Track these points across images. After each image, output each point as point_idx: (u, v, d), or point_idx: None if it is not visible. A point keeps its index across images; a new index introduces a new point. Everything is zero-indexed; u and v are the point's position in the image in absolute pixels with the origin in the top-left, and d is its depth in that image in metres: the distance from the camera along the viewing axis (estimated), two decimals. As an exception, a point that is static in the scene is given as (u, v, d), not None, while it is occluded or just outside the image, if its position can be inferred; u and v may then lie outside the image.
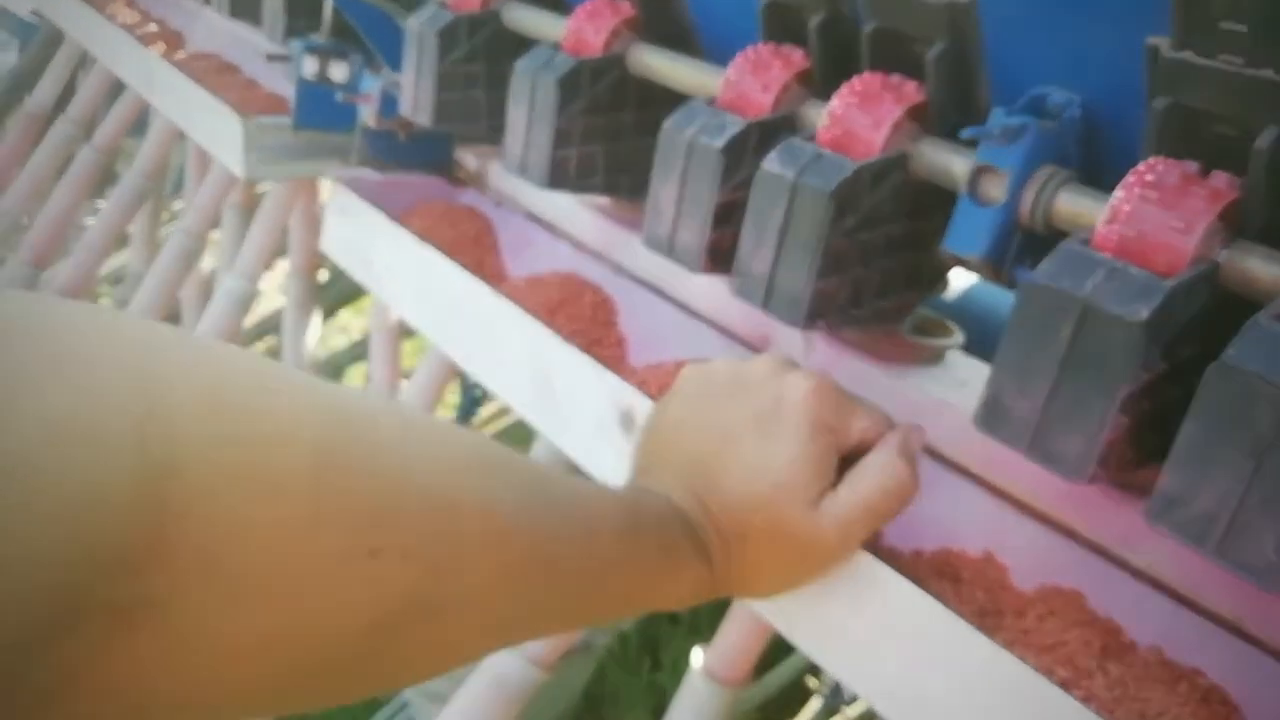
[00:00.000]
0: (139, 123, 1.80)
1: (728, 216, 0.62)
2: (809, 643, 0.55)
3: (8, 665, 0.25)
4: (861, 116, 0.57)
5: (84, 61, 1.95)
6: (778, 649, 0.56)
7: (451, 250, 0.92)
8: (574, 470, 0.71)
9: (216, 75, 1.38)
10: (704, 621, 1.65)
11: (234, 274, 1.36)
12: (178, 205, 2.36)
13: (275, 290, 2.24)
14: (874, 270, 0.60)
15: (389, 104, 0.97)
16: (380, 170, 1.00)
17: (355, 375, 2.26)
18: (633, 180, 0.78)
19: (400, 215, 0.97)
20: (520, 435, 0.78)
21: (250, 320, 2.27)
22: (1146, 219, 0.46)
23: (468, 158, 1.03)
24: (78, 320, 0.29)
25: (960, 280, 0.83)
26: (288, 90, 1.12)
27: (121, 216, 1.74)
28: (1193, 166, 0.47)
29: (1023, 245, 0.53)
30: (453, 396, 2.12)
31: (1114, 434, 0.46)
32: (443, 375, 1.04)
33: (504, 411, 2.08)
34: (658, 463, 0.55)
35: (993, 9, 0.53)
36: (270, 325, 2.18)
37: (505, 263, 0.94)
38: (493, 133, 0.86)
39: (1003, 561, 0.59)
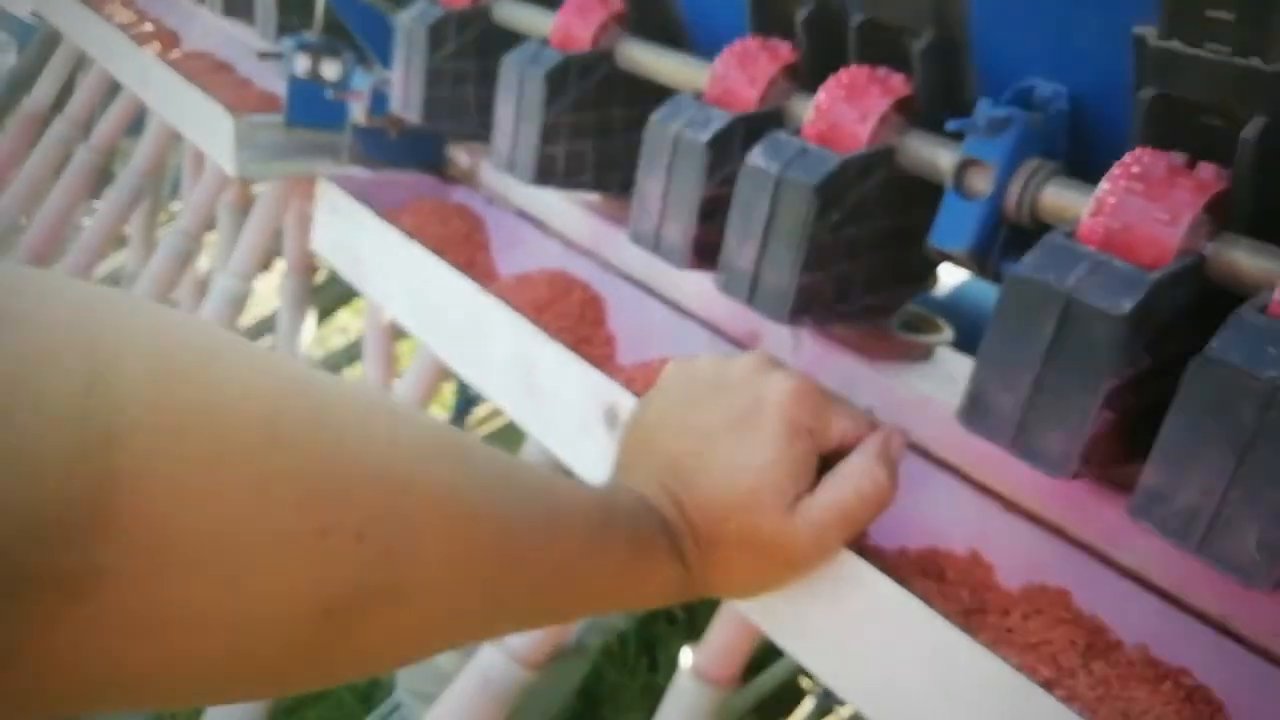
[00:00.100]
0: (136, 123, 1.80)
1: (714, 212, 0.62)
2: (791, 641, 0.54)
3: None
4: (848, 110, 0.57)
5: (82, 62, 1.94)
6: (772, 649, 0.56)
7: (442, 248, 0.91)
8: (562, 469, 0.70)
9: (211, 74, 1.37)
10: (702, 621, 1.64)
11: (227, 273, 1.35)
12: (176, 206, 2.36)
13: (273, 290, 2.24)
14: (861, 265, 0.60)
15: (379, 101, 0.96)
16: (371, 168, 1.00)
17: (352, 376, 2.25)
18: (622, 177, 0.78)
19: (391, 213, 0.96)
20: (514, 435, 0.77)
21: (247, 320, 2.26)
22: (1132, 211, 0.45)
23: (459, 155, 1.02)
24: (19, 283, 0.28)
25: (951, 276, 0.83)
26: (281, 88, 1.12)
27: (118, 217, 1.74)
28: (1179, 158, 0.46)
29: (1009, 239, 0.53)
30: (451, 397, 2.12)
31: (1098, 429, 0.45)
32: (434, 374, 1.04)
33: (498, 412, 2.07)
34: (638, 461, 0.54)
35: (980, 1, 0.52)
36: (268, 326, 2.18)
37: (496, 260, 0.94)
38: (483, 129, 0.86)
39: (989, 560, 0.58)
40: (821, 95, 0.58)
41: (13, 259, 1.79)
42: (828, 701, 1.52)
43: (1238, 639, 0.50)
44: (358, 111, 0.98)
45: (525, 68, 0.74)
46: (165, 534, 0.29)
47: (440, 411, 2.12)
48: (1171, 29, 0.44)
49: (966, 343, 0.68)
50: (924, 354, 0.68)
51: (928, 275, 0.65)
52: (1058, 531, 0.57)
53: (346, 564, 0.34)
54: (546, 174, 0.76)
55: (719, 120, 0.61)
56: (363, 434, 0.36)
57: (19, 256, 1.80)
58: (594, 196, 0.88)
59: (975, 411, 0.48)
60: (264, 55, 1.14)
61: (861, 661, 0.51)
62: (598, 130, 0.77)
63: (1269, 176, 0.45)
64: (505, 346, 0.73)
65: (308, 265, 1.42)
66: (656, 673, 1.74)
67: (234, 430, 0.31)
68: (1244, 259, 0.44)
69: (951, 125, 0.51)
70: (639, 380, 0.74)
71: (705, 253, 0.63)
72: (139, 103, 1.64)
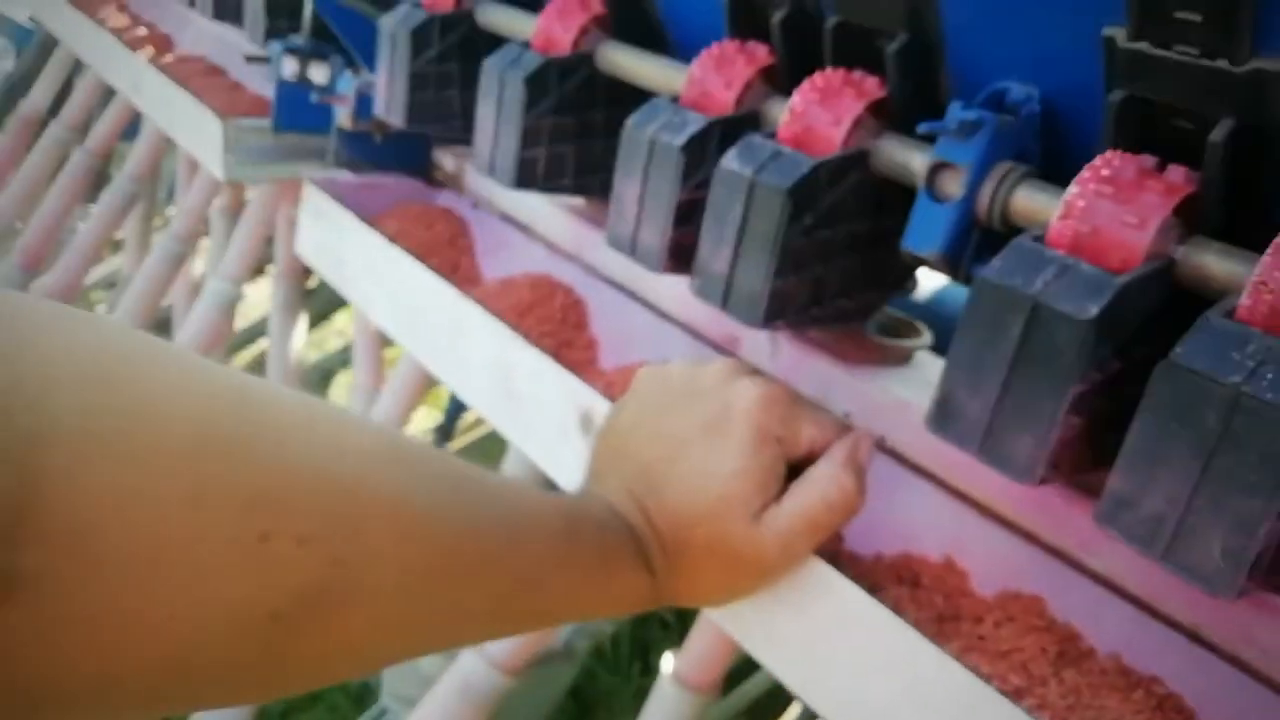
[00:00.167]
0: (133, 127, 1.80)
1: (690, 215, 0.61)
2: (761, 650, 0.54)
3: None
4: (822, 113, 0.57)
5: (79, 66, 1.94)
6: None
7: (426, 252, 0.91)
8: (544, 478, 0.70)
9: (203, 77, 1.37)
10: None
11: (218, 278, 1.35)
12: (173, 210, 2.36)
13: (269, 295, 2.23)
14: (835, 269, 0.59)
15: (365, 105, 0.96)
16: (356, 171, 0.99)
17: (347, 380, 2.25)
18: (604, 180, 0.77)
19: (376, 217, 0.96)
20: (502, 440, 0.77)
21: (242, 323, 2.26)
22: (1100, 214, 0.45)
23: (445, 159, 1.02)
24: None
25: (932, 280, 0.82)
26: (273, 92, 1.11)
27: (111, 220, 1.74)
28: (1150, 161, 0.46)
29: (982, 242, 0.52)
30: (446, 400, 2.12)
31: (1066, 434, 0.45)
32: (419, 379, 1.03)
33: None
34: (609, 468, 0.54)
35: (954, 2, 0.52)
36: (262, 329, 2.18)
37: (480, 264, 0.93)
38: (468, 133, 0.85)
39: (963, 566, 0.58)
40: (796, 98, 0.57)
41: (8, 263, 1.79)
42: (817, 708, 1.51)
43: (1209, 647, 0.49)
44: (343, 115, 0.98)
45: (505, 71, 0.73)
46: (95, 537, 0.29)
47: (435, 413, 2.11)
48: (1140, 30, 0.43)
49: (947, 347, 0.68)
50: (903, 358, 0.67)
51: (905, 278, 0.64)
52: (1032, 538, 0.56)
53: (289, 569, 0.34)
54: (527, 177, 0.75)
55: (694, 124, 0.60)
56: (305, 441, 0.35)
57: (14, 260, 1.80)
58: (579, 200, 0.88)
59: (943, 417, 0.48)
60: (251, 59, 1.14)
61: (830, 670, 0.50)
62: (579, 133, 0.76)
63: (1238, 179, 0.44)
64: (484, 352, 0.73)
65: (299, 269, 1.41)
66: (649, 676, 1.73)
67: (166, 435, 0.31)
68: (1213, 262, 0.44)
69: (923, 128, 0.51)
70: (620, 384, 0.74)
71: (682, 256, 0.63)
72: (134, 107, 1.64)
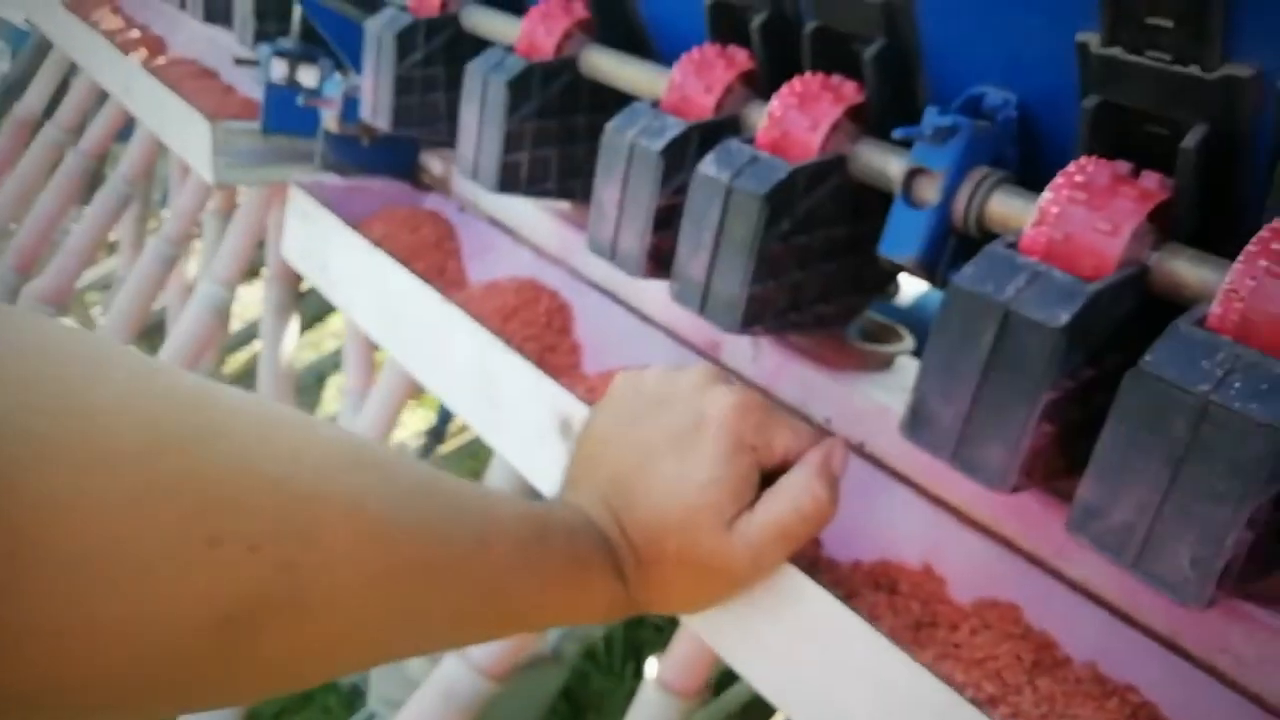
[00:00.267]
0: (129, 128, 1.80)
1: (669, 220, 0.61)
2: (736, 656, 0.54)
3: None
4: (800, 118, 0.56)
5: (74, 68, 1.94)
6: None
7: (412, 255, 0.91)
8: (528, 487, 0.69)
9: (194, 80, 1.37)
10: (687, 630, 1.64)
11: (210, 280, 1.35)
12: (167, 212, 2.36)
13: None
14: (814, 274, 0.59)
15: (351, 108, 0.96)
16: (344, 175, 0.99)
17: (341, 381, 2.25)
18: (588, 185, 0.77)
19: (363, 220, 0.96)
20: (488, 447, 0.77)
21: (237, 324, 2.26)
22: (1073, 221, 0.45)
23: (433, 162, 1.02)
24: None
25: (915, 284, 0.82)
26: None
27: (105, 222, 1.74)
28: (1124, 166, 0.46)
29: (958, 248, 0.52)
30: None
31: (1038, 442, 0.44)
32: (407, 381, 1.03)
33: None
34: (584, 475, 0.54)
35: (930, 7, 0.52)
36: (255, 332, 2.17)
37: (466, 267, 0.93)
38: (454, 136, 0.85)
39: (941, 573, 0.57)
40: (774, 103, 0.57)
41: (1, 265, 1.79)
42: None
43: (1185, 655, 0.49)
44: (329, 119, 0.97)
45: (488, 75, 0.73)
46: (37, 540, 0.28)
47: (429, 414, 2.11)
48: (1113, 36, 0.43)
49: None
50: (884, 363, 0.67)
51: (886, 283, 0.64)
52: (1010, 545, 0.56)
53: (240, 574, 0.33)
54: (510, 181, 0.75)
55: (674, 128, 0.60)
56: (260, 446, 0.35)
57: (8, 262, 1.79)
58: (564, 204, 0.88)
59: (917, 423, 0.48)
60: (240, 62, 1.14)
61: (804, 677, 0.50)
62: (562, 137, 0.76)
63: (1211, 186, 0.44)
64: (465, 356, 0.72)
65: (291, 272, 1.41)
66: (642, 678, 1.73)
67: (112, 438, 0.30)
68: (1186, 270, 0.43)
69: (898, 133, 0.50)
70: (603, 389, 0.73)
71: (661, 261, 0.62)
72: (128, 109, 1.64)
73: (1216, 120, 0.42)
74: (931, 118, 0.50)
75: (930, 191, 0.51)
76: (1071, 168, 0.46)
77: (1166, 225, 0.45)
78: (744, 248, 0.55)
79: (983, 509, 0.57)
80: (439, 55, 0.85)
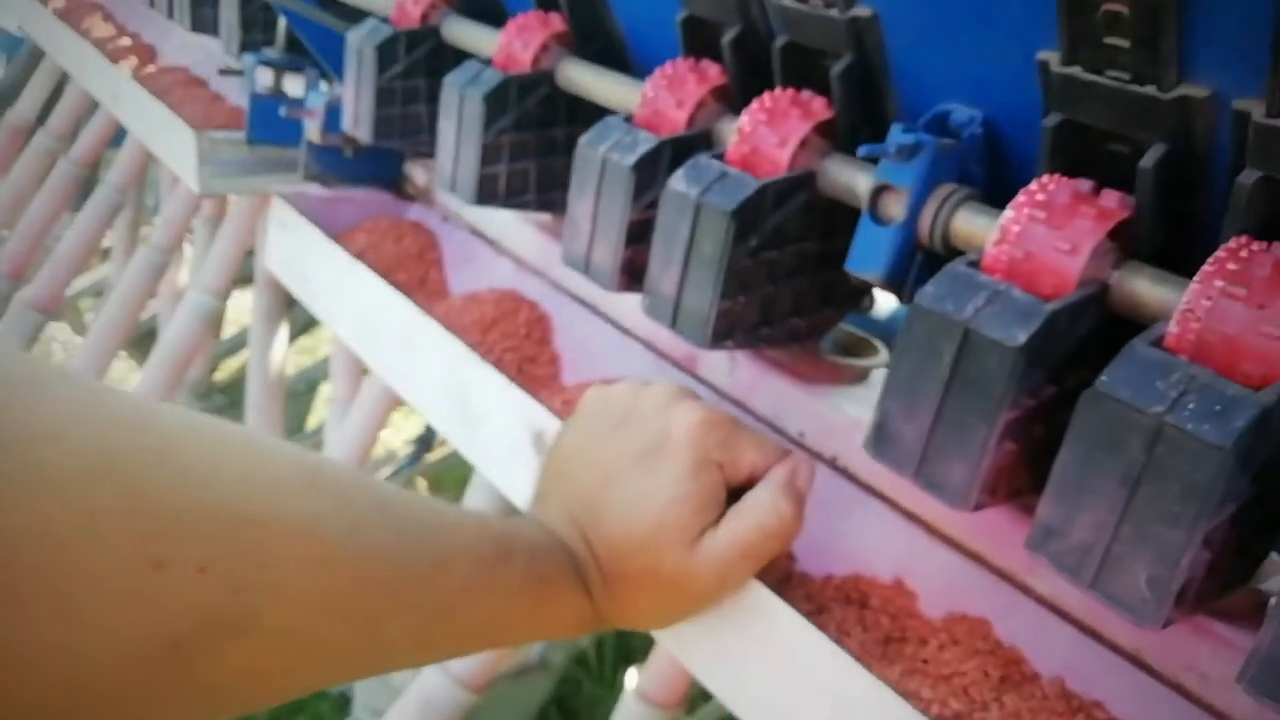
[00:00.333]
0: (122, 133, 1.80)
1: (642, 234, 0.61)
2: (703, 670, 0.54)
3: None
4: (769, 134, 0.56)
5: (67, 75, 1.95)
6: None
7: (394, 265, 0.91)
8: (509, 504, 0.69)
9: (184, 89, 1.37)
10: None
11: (198, 289, 1.35)
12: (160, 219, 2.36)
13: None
14: (785, 289, 0.59)
15: (334, 119, 0.96)
16: (327, 185, 0.99)
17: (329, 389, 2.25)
18: (566, 196, 0.77)
19: (346, 230, 0.96)
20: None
21: (233, 329, 2.26)
22: (1034, 240, 0.45)
23: (416, 172, 1.02)
24: None
25: (892, 298, 0.82)
26: (249, 104, 1.11)
27: (96, 229, 1.74)
28: (1085, 185, 0.46)
29: (925, 265, 0.52)
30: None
31: (1000, 460, 0.44)
32: (389, 393, 1.03)
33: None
34: (552, 490, 0.54)
35: (897, 24, 0.52)
36: (242, 343, 2.18)
37: (448, 278, 0.93)
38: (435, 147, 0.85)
39: (912, 588, 0.57)
40: (744, 119, 0.57)
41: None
42: None
43: (1151, 672, 0.49)
44: (312, 130, 0.97)
45: (465, 88, 0.73)
46: None
47: (421, 421, 2.11)
48: (1072, 55, 0.43)
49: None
50: (859, 377, 0.67)
51: (859, 298, 0.64)
52: (981, 560, 0.56)
53: (188, 597, 0.33)
54: (488, 194, 0.75)
55: (645, 143, 0.60)
56: (207, 468, 0.35)
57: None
58: (546, 216, 0.88)
59: (881, 440, 0.48)
60: (225, 72, 1.14)
61: (769, 693, 0.50)
62: (540, 150, 0.76)
63: (1171, 204, 0.44)
64: (441, 369, 0.72)
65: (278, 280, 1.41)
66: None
67: (56, 463, 0.30)
68: (1146, 289, 0.43)
69: (862, 151, 0.50)
70: (579, 402, 0.73)
71: (635, 275, 0.62)
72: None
73: (1174, 140, 0.42)
74: (896, 135, 0.50)
75: (896, 208, 0.51)
76: (1033, 186, 0.46)
77: (1128, 244, 0.45)
78: (713, 263, 0.55)
79: (954, 524, 0.57)
80: (420, 67, 0.85)
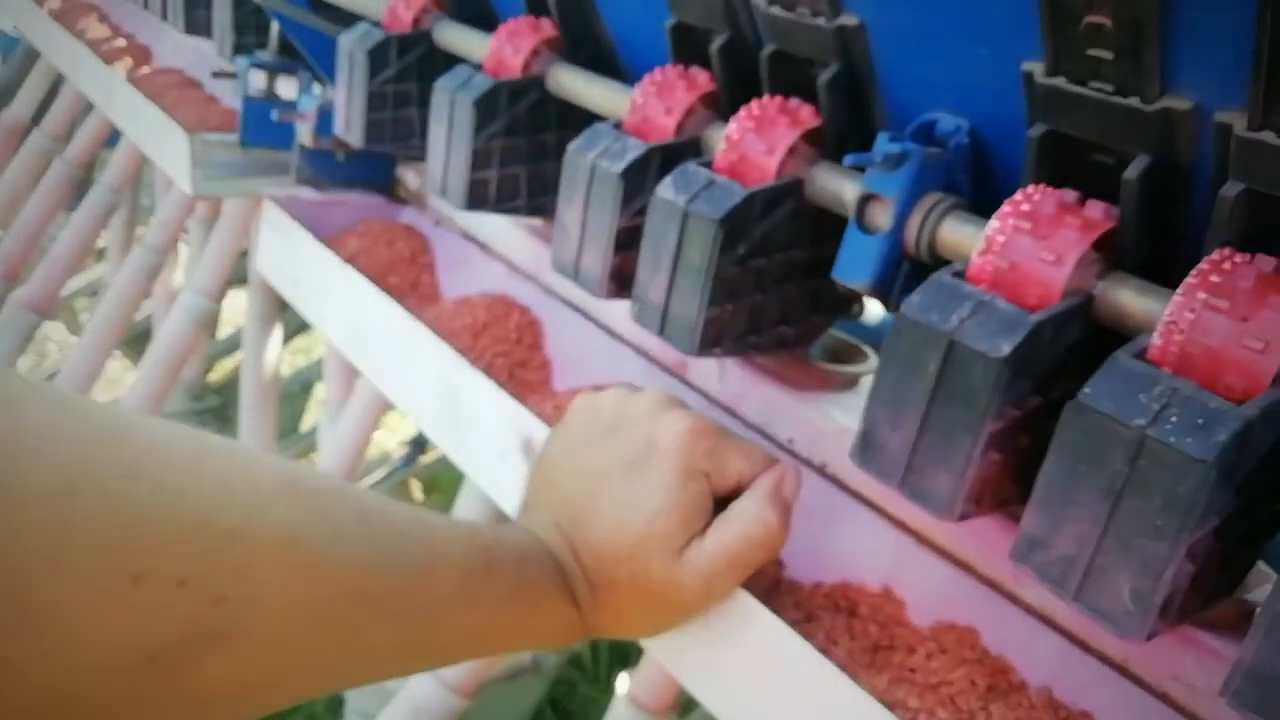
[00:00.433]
0: (116, 134, 1.80)
1: (631, 241, 0.61)
2: (690, 678, 0.54)
3: None
4: (757, 141, 0.56)
5: (62, 75, 1.94)
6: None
7: (387, 269, 0.91)
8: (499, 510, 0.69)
9: (178, 90, 1.37)
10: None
11: (192, 291, 1.35)
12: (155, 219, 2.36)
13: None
14: (773, 296, 0.59)
15: (326, 122, 0.96)
16: (320, 189, 0.99)
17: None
18: (557, 202, 0.77)
19: (338, 234, 0.96)
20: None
21: (229, 329, 2.26)
22: (1019, 250, 0.45)
23: (408, 175, 1.02)
24: None
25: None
26: (246, 107, 1.11)
27: (91, 229, 1.73)
28: (1070, 195, 0.46)
29: (912, 273, 0.52)
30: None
31: (985, 470, 0.44)
32: (381, 396, 1.03)
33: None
34: (538, 499, 0.54)
35: (884, 33, 0.52)
36: (237, 344, 2.17)
37: (440, 282, 0.93)
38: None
39: (901, 596, 0.57)
40: (732, 126, 0.57)
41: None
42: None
43: (1138, 682, 0.49)
44: (304, 133, 0.97)
45: (455, 93, 0.73)
46: None
47: (409, 427, 2.10)
48: (1057, 66, 0.43)
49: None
50: (848, 383, 0.67)
51: (848, 305, 0.64)
52: (969, 568, 0.56)
53: (167, 611, 0.33)
54: (479, 199, 0.75)
55: (634, 150, 0.60)
56: (185, 481, 0.35)
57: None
58: (537, 220, 0.88)
59: (867, 449, 0.48)
60: (218, 74, 1.14)
61: (755, 702, 0.50)
62: (530, 155, 0.76)
63: (1155, 216, 0.44)
64: (431, 374, 0.72)
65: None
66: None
67: (29, 477, 0.30)
68: (1130, 300, 0.43)
69: (848, 160, 0.50)
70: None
71: (624, 281, 0.62)
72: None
73: (1158, 151, 0.42)
74: (882, 144, 0.50)
75: (882, 217, 0.51)
76: (1018, 196, 0.46)
77: (1113, 254, 0.45)
78: (700, 271, 0.55)
79: (943, 532, 0.57)
80: (412, 71, 0.85)
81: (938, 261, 0.50)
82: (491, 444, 0.67)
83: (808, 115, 0.56)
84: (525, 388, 0.78)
